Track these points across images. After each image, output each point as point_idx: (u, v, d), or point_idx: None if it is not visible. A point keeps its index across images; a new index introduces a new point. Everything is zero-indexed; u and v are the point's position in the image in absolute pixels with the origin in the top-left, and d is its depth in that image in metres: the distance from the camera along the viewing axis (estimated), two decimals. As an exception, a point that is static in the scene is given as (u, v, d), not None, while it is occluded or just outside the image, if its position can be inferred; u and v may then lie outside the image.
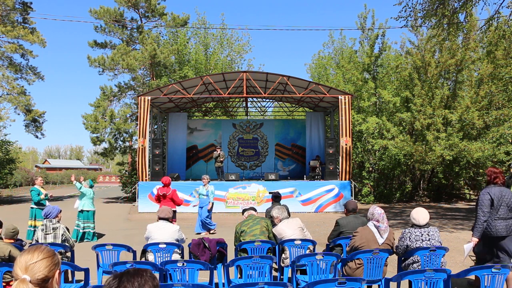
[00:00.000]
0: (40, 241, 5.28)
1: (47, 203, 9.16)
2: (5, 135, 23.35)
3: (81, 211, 9.23)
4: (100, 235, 9.74)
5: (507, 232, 4.75)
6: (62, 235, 5.37)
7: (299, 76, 16.78)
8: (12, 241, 5.05)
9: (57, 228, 5.40)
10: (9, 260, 4.13)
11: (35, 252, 1.70)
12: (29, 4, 21.11)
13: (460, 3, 10.56)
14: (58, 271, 1.74)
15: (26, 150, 78.48)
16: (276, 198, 7.39)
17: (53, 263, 1.71)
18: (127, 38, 22.39)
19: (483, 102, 15.45)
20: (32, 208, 9.10)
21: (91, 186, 9.59)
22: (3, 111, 20.75)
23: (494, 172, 4.96)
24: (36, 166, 66.91)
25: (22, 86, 21.12)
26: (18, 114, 21.20)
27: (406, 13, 10.87)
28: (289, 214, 5.77)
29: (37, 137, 22.11)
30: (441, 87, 16.75)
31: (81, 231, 9.10)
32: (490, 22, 11.38)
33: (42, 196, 9.06)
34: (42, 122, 21.96)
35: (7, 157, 21.97)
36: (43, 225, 5.43)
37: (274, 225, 5.85)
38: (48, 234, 5.35)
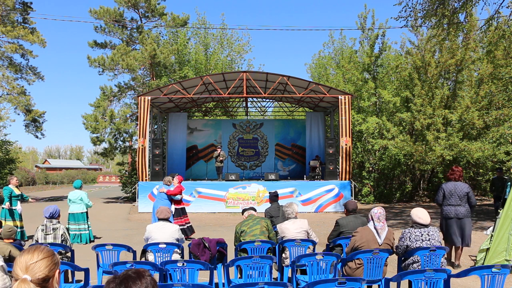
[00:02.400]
0: (40, 241, 5.28)
1: (18, 203, 8.98)
2: (5, 135, 23.37)
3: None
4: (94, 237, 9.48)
5: (455, 214, 6.35)
6: (61, 236, 5.38)
7: (299, 76, 16.78)
8: (11, 240, 5.04)
9: (57, 228, 5.40)
10: (9, 260, 4.13)
11: (35, 252, 1.70)
12: (29, 4, 21.09)
13: (460, 3, 10.56)
14: (58, 270, 1.74)
15: (26, 150, 78.53)
16: (273, 197, 7.39)
17: (53, 263, 1.71)
18: (127, 38, 22.38)
19: (483, 102, 15.44)
20: (3, 208, 8.89)
21: (79, 188, 9.26)
22: (3, 111, 20.77)
23: (451, 171, 6.56)
24: (36, 166, 66.86)
25: (22, 86, 21.10)
26: (18, 114, 21.19)
27: (406, 13, 10.86)
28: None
29: (37, 137, 22.11)
30: (441, 87, 16.73)
31: (72, 233, 8.90)
32: (490, 22, 11.39)
33: (18, 192, 8.96)
34: (42, 122, 21.95)
35: (7, 157, 21.94)
36: (43, 225, 5.43)
37: (273, 225, 5.85)
38: (48, 234, 5.36)
